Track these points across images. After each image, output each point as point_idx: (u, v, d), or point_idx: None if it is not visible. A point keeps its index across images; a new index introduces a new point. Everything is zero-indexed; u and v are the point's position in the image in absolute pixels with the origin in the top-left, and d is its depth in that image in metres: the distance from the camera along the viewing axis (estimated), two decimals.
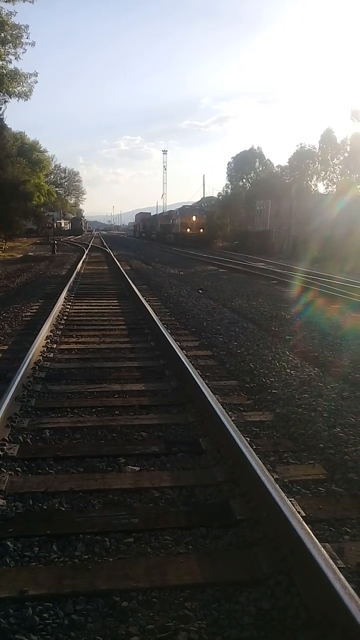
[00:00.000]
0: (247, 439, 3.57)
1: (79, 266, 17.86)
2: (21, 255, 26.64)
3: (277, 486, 2.77)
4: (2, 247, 30.30)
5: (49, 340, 6.75)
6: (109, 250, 29.59)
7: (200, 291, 12.36)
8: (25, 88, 29.32)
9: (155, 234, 55.19)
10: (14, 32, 27.51)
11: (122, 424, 4.13)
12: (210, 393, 4.29)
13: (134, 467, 3.42)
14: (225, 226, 44.01)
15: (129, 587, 2.28)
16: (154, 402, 4.70)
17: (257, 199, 41.65)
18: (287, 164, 52.59)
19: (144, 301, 9.55)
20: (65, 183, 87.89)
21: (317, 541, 2.27)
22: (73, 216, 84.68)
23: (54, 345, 6.60)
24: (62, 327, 7.82)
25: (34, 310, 9.28)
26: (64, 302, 9.86)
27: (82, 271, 17.22)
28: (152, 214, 70.77)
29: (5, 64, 28.19)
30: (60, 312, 8.79)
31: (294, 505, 2.71)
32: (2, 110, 31.37)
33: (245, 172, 59.16)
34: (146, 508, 2.95)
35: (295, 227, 28.35)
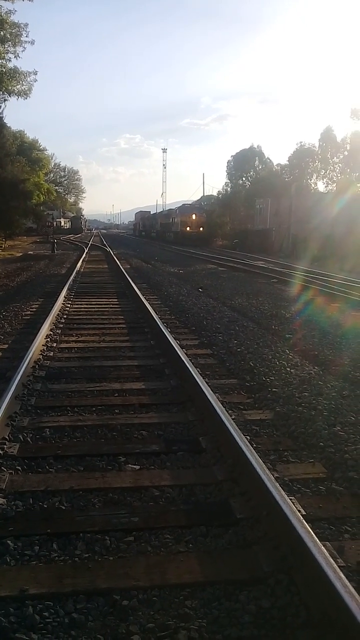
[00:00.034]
0: (247, 437, 3.57)
1: (78, 265, 17.86)
2: (21, 254, 26.63)
3: (277, 485, 2.77)
4: (1, 246, 30.28)
5: (49, 339, 6.75)
6: (108, 248, 29.57)
7: (200, 290, 12.36)
8: (24, 86, 29.33)
9: (155, 233, 55.16)
10: (13, 31, 27.49)
11: (122, 423, 4.13)
12: (210, 392, 4.29)
13: (134, 466, 3.42)
14: (225, 225, 43.99)
15: (129, 586, 2.28)
16: (154, 400, 4.70)
17: (257, 198, 41.62)
18: (287, 163, 52.54)
19: (143, 300, 9.54)
20: (65, 182, 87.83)
21: (317, 540, 2.27)
22: (73, 215, 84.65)
23: (54, 344, 6.60)
24: (62, 325, 7.82)
25: (34, 309, 9.28)
26: (63, 301, 9.86)
27: (82, 270, 17.21)
28: (151, 213, 70.74)
29: (4, 62, 28.18)
30: (60, 311, 8.78)
31: (294, 504, 2.71)
32: (1, 108, 31.35)
33: (245, 171, 59.11)
34: (146, 507, 2.95)
35: (295, 226, 28.33)
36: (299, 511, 2.68)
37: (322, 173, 49.81)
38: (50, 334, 7.03)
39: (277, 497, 2.61)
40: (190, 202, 60.31)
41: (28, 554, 2.50)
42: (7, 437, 3.74)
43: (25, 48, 28.18)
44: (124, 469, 3.39)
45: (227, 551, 2.57)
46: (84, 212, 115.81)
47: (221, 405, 4.00)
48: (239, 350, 6.37)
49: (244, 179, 59.23)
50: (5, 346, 6.54)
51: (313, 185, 49.09)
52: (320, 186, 49.10)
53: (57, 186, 75.32)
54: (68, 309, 9.41)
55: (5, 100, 29.89)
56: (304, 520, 2.43)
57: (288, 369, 5.57)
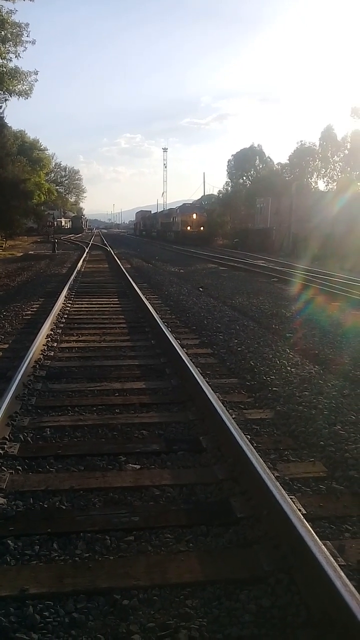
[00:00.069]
0: (248, 436, 3.58)
1: (79, 264, 17.86)
2: (22, 253, 26.64)
3: (278, 484, 2.77)
4: (2, 246, 30.30)
5: (49, 339, 6.75)
6: (109, 248, 29.58)
7: (201, 289, 12.36)
8: (25, 86, 29.30)
9: (155, 232, 55.17)
10: (14, 31, 27.46)
11: (122, 422, 4.13)
12: (211, 391, 4.29)
13: (135, 466, 3.42)
14: (225, 224, 43.99)
15: (129, 586, 2.28)
16: (155, 400, 4.70)
17: (258, 197, 41.60)
18: (288, 162, 52.49)
19: (144, 299, 9.54)
20: (66, 181, 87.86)
21: (317, 539, 2.27)
22: (73, 214, 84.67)
23: (55, 344, 6.60)
24: (62, 325, 7.83)
25: (35, 309, 9.28)
26: (64, 301, 9.86)
27: (82, 269, 17.22)
28: (152, 212, 70.74)
29: (5, 62, 28.16)
30: (60, 311, 8.79)
31: (294, 503, 2.71)
32: (2, 108, 31.36)
33: (245, 170, 59.08)
34: (147, 506, 2.95)
35: (296, 225, 28.32)
36: (300, 510, 2.68)
37: (323, 172, 49.79)
38: (51, 334, 7.03)
39: (278, 496, 2.61)
40: (190, 202, 60.31)
41: (28, 553, 2.50)
42: (7, 437, 3.74)
43: (26, 48, 28.18)
44: (124, 468, 3.39)
45: (227, 550, 2.57)
46: (84, 212, 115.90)
47: (222, 405, 3.99)
48: (239, 349, 6.37)
49: (244, 178, 59.21)
50: (6, 346, 6.54)
51: (313, 184, 49.08)
52: (321, 185, 49.12)
53: (57, 186, 75.36)
54: (69, 308, 9.41)
55: (6, 100, 29.91)
56: (304, 519, 2.42)
57: (288, 368, 5.57)
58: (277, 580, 2.29)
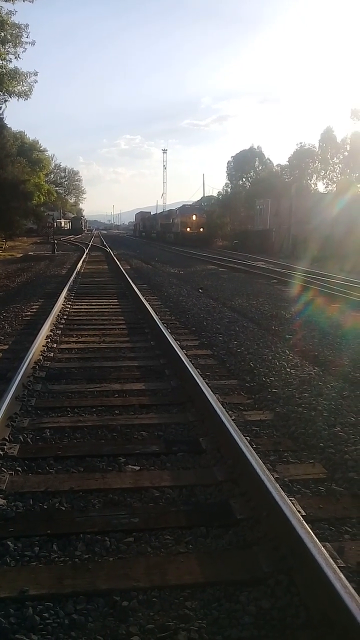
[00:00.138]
0: (247, 438, 3.57)
1: (79, 265, 17.86)
2: (21, 254, 26.63)
3: (277, 485, 2.77)
4: (2, 247, 30.30)
5: (49, 340, 6.75)
6: (109, 249, 29.59)
7: (200, 290, 12.36)
8: (25, 87, 29.34)
9: (155, 233, 55.18)
10: (13, 32, 27.50)
11: (122, 424, 4.13)
12: (210, 392, 4.29)
13: (134, 467, 3.42)
14: (225, 225, 44.00)
15: (129, 587, 2.28)
16: (154, 401, 4.70)
17: (257, 198, 41.62)
18: (287, 163, 52.57)
19: (143, 300, 9.55)
20: (65, 182, 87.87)
21: (317, 540, 2.27)
22: (73, 215, 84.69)
23: (54, 345, 6.60)
24: (62, 326, 7.83)
25: (34, 310, 9.29)
26: (64, 302, 9.86)
27: (82, 270, 17.22)
28: (152, 213, 70.78)
29: (5, 63, 28.20)
30: (60, 312, 8.79)
31: (294, 505, 2.71)
32: (2, 109, 31.40)
33: (245, 171, 59.13)
34: (146, 507, 2.95)
35: (295, 226, 28.34)
36: (299, 512, 2.68)
37: (322, 174, 49.86)
38: (51, 335, 7.03)
39: (277, 497, 2.61)
40: (190, 203, 60.34)
41: (28, 554, 2.50)
42: (7, 438, 3.74)
43: (26, 49, 28.24)
44: (124, 469, 3.39)
45: (227, 552, 2.57)
46: (84, 213, 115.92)
47: (221, 406, 4.00)
48: (239, 350, 6.37)
49: (244, 179, 59.26)
50: (6, 347, 6.54)
51: (313, 186, 49.13)
52: (321, 187, 49.17)
53: (57, 187, 75.37)
54: (68, 309, 9.41)
55: (5, 101, 29.94)
56: (303, 521, 2.43)
57: (288, 370, 5.57)
58: (276, 582, 2.29)
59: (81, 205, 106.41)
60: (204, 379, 4.79)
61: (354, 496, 3.09)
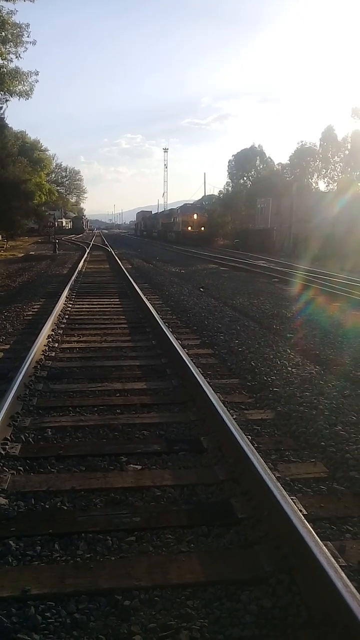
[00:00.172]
0: (249, 437, 3.58)
1: (80, 265, 17.87)
2: (22, 254, 26.65)
3: (279, 484, 2.77)
4: (3, 246, 30.32)
5: (50, 339, 6.75)
6: (110, 248, 29.60)
7: (202, 289, 12.36)
8: (26, 87, 29.34)
9: (156, 233, 55.19)
10: (14, 31, 27.50)
11: (123, 423, 4.14)
12: (212, 391, 4.29)
13: (136, 466, 3.42)
14: (226, 224, 43.99)
15: (130, 586, 2.29)
16: (156, 400, 4.70)
17: (258, 197, 41.62)
18: (288, 162, 52.48)
19: (145, 300, 9.55)
20: (67, 182, 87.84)
21: (318, 539, 2.27)
22: (74, 215, 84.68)
23: (56, 344, 6.61)
24: (63, 326, 7.83)
25: (36, 309, 9.29)
26: (65, 301, 9.86)
27: (83, 270, 17.22)
28: (153, 213, 70.77)
29: (6, 63, 28.20)
30: (61, 311, 8.79)
31: (295, 504, 2.71)
32: (3, 109, 31.41)
33: (246, 170, 59.07)
34: (148, 507, 2.95)
35: (296, 225, 28.32)
36: (300, 511, 2.68)
37: (323, 172, 49.78)
38: (52, 334, 7.04)
39: (279, 496, 2.62)
40: (191, 202, 60.33)
41: (30, 554, 2.51)
42: (8, 438, 3.74)
43: (26, 48, 28.24)
44: (125, 469, 3.40)
45: (228, 551, 2.57)
46: (85, 212, 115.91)
47: (222, 405, 4.00)
48: (240, 349, 6.37)
49: (245, 178, 59.19)
50: (7, 346, 6.54)
51: (314, 185, 49.08)
52: (321, 185, 49.11)
53: (58, 186, 75.36)
54: (70, 309, 9.42)
55: (6, 101, 29.96)
56: (305, 520, 2.43)
57: (289, 369, 5.57)
58: (278, 581, 2.29)
59: (82, 205, 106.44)
60: (205, 378, 4.79)
61: (355, 495, 3.09)
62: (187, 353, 5.71)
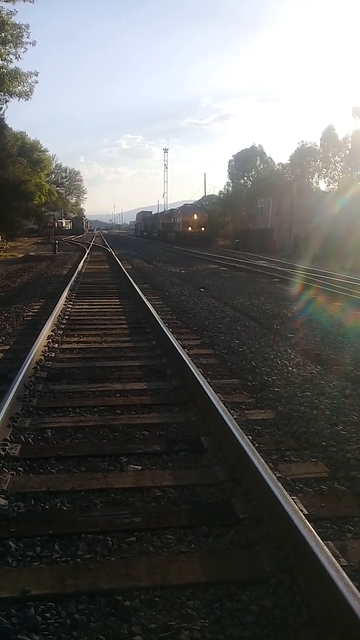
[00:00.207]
0: (249, 437, 3.57)
1: (80, 265, 17.87)
2: (22, 255, 26.66)
3: (280, 484, 2.76)
4: (3, 247, 30.33)
5: (50, 340, 6.75)
6: (110, 249, 29.60)
7: (202, 290, 12.36)
8: (26, 87, 29.37)
9: (156, 233, 55.19)
10: (14, 32, 27.53)
11: (123, 423, 4.13)
12: (212, 391, 4.28)
13: (136, 466, 3.42)
14: (226, 224, 44.02)
15: (131, 587, 2.28)
16: (156, 401, 4.69)
17: (259, 197, 41.62)
18: (289, 162, 52.47)
19: (145, 300, 9.54)
20: (66, 182, 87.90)
21: (319, 539, 2.26)
22: (74, 215, 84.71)
23: (56, 345, 6.60)
24: (63, 326, 7.83)
25: (36, 310, 9.29)
26: (65, 302, 9.86)
27: (83, 270, 17.22)
28: (153, 213, 70.78)
29: (6, 63, 28.22)
30: (61, 312, 8.79)
31: (296, 504, 2.70)
32: (3, 110, 31.42)
33: (246, 170, 59.06)
34: (148, 507, 2.94)
35: (297, 225, 28.32)
36: (301, 511, 2.67)
37: (324, 172, 49.77)
38: (52, 335, 7.03)
39: (279, 496, 2.61)
40: (191, 202, 60.33)
41: (30, 555, 2.50)
42: (8, 438, 3.73)
43: (26, 49, 28.28)
44: (125, 469, 3.39)
45: (229, 551, 2.56)
46: (85, 213, 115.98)
47: (223, 405, 3.99)
48: (240, 350, 6.36)
49: (245, 178, 59.19)
50: (7, 347, 6.54)
51: (314, 185, 49.06)
52: (322, 185, 49.10)
53: (58, 187, 75.41)
54: (69, 309, 9.41)
55: (6, 101, 29.97)
56: (306, 520, 2.42)
57: (290, 369, 5.56)
58: (278, 581, 2.28)
59: (82, 205, 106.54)
60: (205, 378, 4.78)
61: (357, 495, 3.08)
62: (187, 353, 5.70)
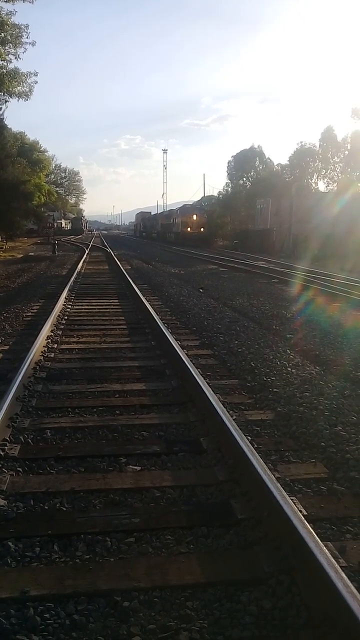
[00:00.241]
0: (248, 438, 3.57)
1: (79, 266, 17.86)
2: (22, 255, 26.65)
3: (279, 485, 2.76)
4: (2, 247, 30.32)
5: (49, 340, 6.74)
6: (109, 249, 29.59)
7: (201, 290, 12.36)
8: (25, 88, 29.34)
9: (155, 233, 55.19)
10: (14, 32, 27.52)
11: (123, 424, 4.13)
12: (211, 392, 4.28)
13: (135, 467, 3.42)
14: (225, 225, 44.02)
15: (130, 587, 2.28)
16: (155, 401, 4.69)
17: (258, 198, 41.62)
18: (288, 163, 52.55)
19: (144, 300, 9.54)
20: (66, 183, 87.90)
21: (318, 540, 2.26)
22: (73, 216, 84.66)
23: (55, 345, 6.60)
24: (62, 326, 7.82)
25: (35, 310, 9.28)
26: (64, 302, 9.86)
27: (82, 271, 17.22)
28: (152, 213, 70.79)
29: (5, 63, 28.21)
30: (61, 312, 8.79)
31: (295, 504, 2.70)
32: (2, 110, 31.41)
33: (245, 171, 59.10)
34: (147, 508, 2.94)
35: (296, 226, 28.33)
36: (301, 511, 2.67)
37: (323, 173, 49.84)
38: (51, 335, 7.03)
39: (278, 497, 2.61)
40: (191, 203, 60.34)
41: (29, 555, 2.50)
42: (7, 439, 3.73)
43: (26, 49, 28.26)
44: (124, 470, 3.39)
45: (228, 552, 2.57)
46: (84, 213, 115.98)
47: (222, 406, 3.99)
48: (239, 350, 6.36)
49: (244, 179, 59.23)
50: (6, 347, 6.54)
51: (314, 185, 49.11)
52: (321, 186, 49.15)
53: (57, 187, 75.43)
54: (69, 310, 9.41)
55: (6, 101, 29.95)
56: (305, 521, 2.42)
57: (289, 369, 5.57)
58: (278, 582, 2.29)
59: (81, 206, 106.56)
60: (204, 379, 4.79)
61: (356, 495, 3.08)
62: (186, 354, 5.70)
